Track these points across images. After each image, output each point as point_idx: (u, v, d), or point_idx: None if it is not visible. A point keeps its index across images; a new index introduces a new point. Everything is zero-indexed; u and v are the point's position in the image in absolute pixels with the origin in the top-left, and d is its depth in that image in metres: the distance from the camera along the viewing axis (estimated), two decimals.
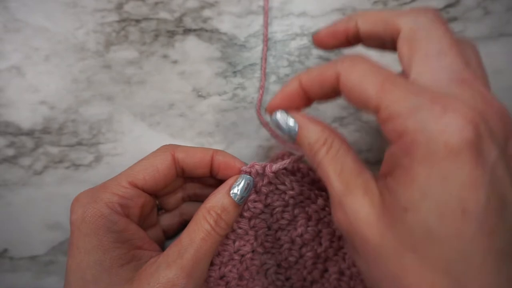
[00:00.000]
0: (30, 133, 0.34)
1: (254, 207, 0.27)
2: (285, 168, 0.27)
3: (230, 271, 0.28)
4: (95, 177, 0.33)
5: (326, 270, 0.30)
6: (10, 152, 0.33)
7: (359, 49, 0.26)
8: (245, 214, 0.27)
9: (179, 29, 0.35)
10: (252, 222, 0.28)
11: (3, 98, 0.34)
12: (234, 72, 0.34)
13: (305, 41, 0.35)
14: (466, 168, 0.17)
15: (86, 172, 0.33)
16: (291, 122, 0.24)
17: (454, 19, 0.35)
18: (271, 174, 0.26)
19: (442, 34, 0.21)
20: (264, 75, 0.34)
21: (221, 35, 0.35)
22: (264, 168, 0.27)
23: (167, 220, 0.30)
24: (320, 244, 0.29)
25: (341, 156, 0.22)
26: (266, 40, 0.34)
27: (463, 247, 0.18)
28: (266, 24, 0.34)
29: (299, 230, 0.29)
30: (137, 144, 0.34)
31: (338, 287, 0.30)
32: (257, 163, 0.27)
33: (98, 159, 0.34)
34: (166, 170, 0.26)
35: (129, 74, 0.34)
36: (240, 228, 0.27)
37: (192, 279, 0.23)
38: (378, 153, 0.34)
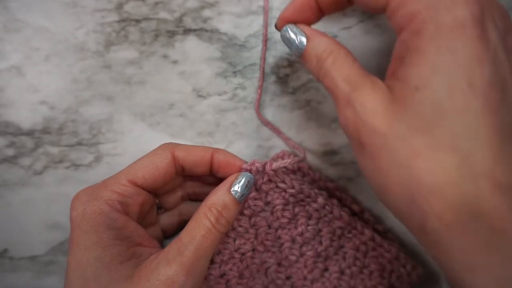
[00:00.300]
0: (30, 133, 0.34)
1: (255, 205, 0.27)
2: (285, 167, 0.27)
3: (231, 269, 0.28)
4: (95, 177, 0.33)
5: (326, 269, 0.30)
6: (10, 152, 0.33)
7: None
8: (246, 212, 0.27)
9: (179, 29, 0.35)
10: (253, 220, 0.28)
11: (3, 98, 0.34)
12: (234, 72, 0.34)
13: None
14: (473, 42, 0.18)
15: (86, 172, 0.33)
16: (300, 34, 0.24)
17: None
18: (271, 172, 0.27)
19: None
20: (263, 75, 0.34)
21: (221, 35, 0.35)
22: (264, 166, 0.27)
23: (166, 219, 0.30)
24: (321, 243, 0.29)
25: (347, 63, 0.22)
26: (266, 40, 0.34)
27: (471, 122, 0.18)
28: (266, 24, 0.34)
29: (300, 228, 0.29)
30: (137, 144, 0.34)
31: (338, 286, 0.30)
32: (257, 161, 0.27)
33: (98, 159, 0.34)
34: (166, 168, 0.26)
35: (129, 74, 0.34)
36: (240, 226, 0.28)
37: (191, 276, 0.23)
38: None
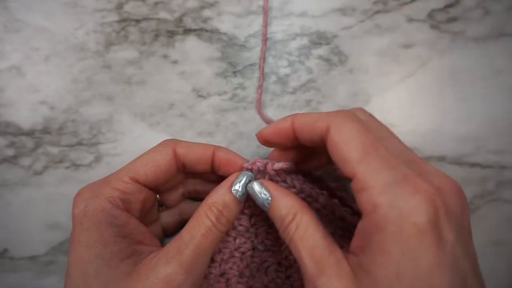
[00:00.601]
0: (30, 133, 0.34)
1: (255, 205, 0.27)
2: (286, 169, 0.27)
3: (231, 268, 0.28)
4: (95, 177, 0.33)
5: None
6: (10, 152, 0.33)
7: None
8: (246, 211, 0.27)
9: (179, 29, 0.35)
10: (253, 219, 0.28)
11: (3, 98, 0.34)
12: (234, 72, 0.34)
13: (305, 41, 0.35)
14: (432, 249, 0.19)
15: (86, 172, 0.33)
16: (265, 192, 0.25)
17: (454, 19, 0.35)
18: (272, 171, 0.27)
19: (367, 131, 0.22)
20: (263, 74, 0.34)
21: (221, 35, 0.35)
22: (265, 165, 0.27)
23: (167, 217, 0.30)
24: None
25: (311, 234, 0.23)
26: (265, 40, 0.34)
27: None
28: (265, 24, 0.34)
29: None
30: (137, 144, 0.34)
31: None
32: (258, 160, 0.27)
33: (98, 159, 0.34)
34: (167, 165, 0.26)
35: (129, 74, 0.34)
36: (241, 225, 0.28)
37: (190, 275, 0.23)
38: None
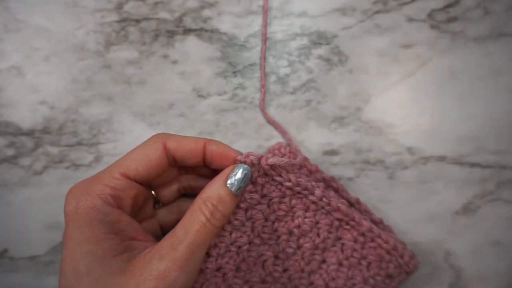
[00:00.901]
0: (30, 133, 0.34)
1: (251, 198, 0.27)
2: (281, 166, 0.27)
3: (227, 262, 0.28)
4: None
5: (324, 261, 0.30)
6: (10, 152, 0.33)
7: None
8: (242, 205, 0.27)
9: (179, 29, 0.35)
10: (249, 213, 0.28)
11: (3, 98, 0.34)
12: (234, 72, 0.34)
13: (305, 41, 0.35)
14: None
15: (86, 172, 0.33)
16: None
17: (454, 19, 0.35)
18: (266, 166, 0.26)
19: None
20: (264, 74, 0.34)
21: (221, 35, 0.35)
22: (259, 159, 0.26)
23: (165, 216, 0.30)
24: (318, 235, 0.29)
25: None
26: (265, 39, 0.34)
27: None
28: (265, 24, 0.34)
29: (297, 221, 0.29)
30: (137, 144, 0.34)
31: (336, 278, 0.30)
32: (252, 154, 0.26)
33: (98, 159, 0.34)
34: (158, 160, 0.26)
35: (129, 74, 0.34)
36: (236, 219, 0.27)
37: (184, 271, 0.23)
38: (378, 153, 0.34)
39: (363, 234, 0.30)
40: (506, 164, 0.33)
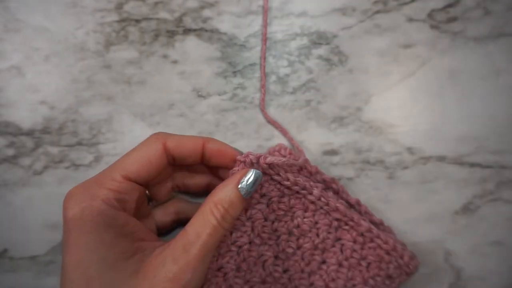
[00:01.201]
0: (30, 133, 0.34)
1: (250, 197, 0.27)
2: (279, 165, 0.27)
3: (228, 262, 0.28)
4: None
5: (324, 262, 0.30)
6: (10, 152, 0.33)
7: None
8: None
9: (179, 29, 0.35)
10: (249, 213, 0.28)
11: (3, 98, 0.34)
12: (234, 72, 0.34)
13: (305, 41, 0.35)
14: None
15: (86, 172, 0.33)
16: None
17: (454, 19, 0.35)
18: (265, 165, 0.27)
19: None
20: (264, 74, 0.34)
21: (221, 35, 0.35)
22: (258, 158, 0.27)
23: (161, 216, 0.30)
24: (318, 235, 0.29)
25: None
26: (265, 39, 0.34)
27: None
28: (265, 24, 0.34)
29: (296, 221, 0.29)
30: (137, 144, 0.34)
31: (336, 279, 0.30)
32: (252, 153, 0.27)
33: (98, 159, 0.34)
34: (158, 160, 0.26)
35: (129, 74, 0.34)
36: (237, 218, 0.28)
37: (197, 273, 0.24)
38: (378, 153, 0.34)
39: (362, 235, 0.30)
40: (506, 164, 0.33)
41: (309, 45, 0.35)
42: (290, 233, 0.29)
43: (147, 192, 0.29)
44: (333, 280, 0.30)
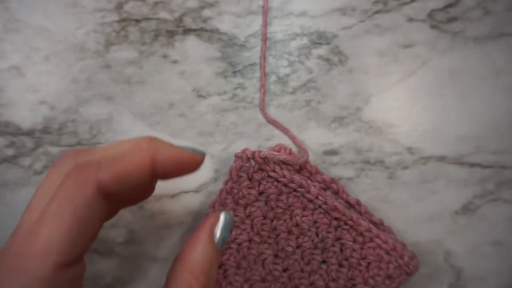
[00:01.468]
0: (30, 133, 0.34)
1: (249, 194, 0.28)
2: (274, 161, 0.28)
3: (228, 259, 0.28)
4: None
5: (324, 261, 0.30)
6: (10, 152, 0.33)
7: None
8: (241, 201, 0.28)
9: (179, 29, 0.35)
10: (248, 210, 0.28)
11: (3, 98, 0.34)
12: (234, 72, 0.34)
13: (305, 41, 0.35)
14: None
15: None
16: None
17: (454, 19, 0.35)
18: (260, 160, 0.27)
19: None
20: (264, 74, 0.34)
21: (221, 35, 0.35)
22: (253, 153, 0.27)
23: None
24: (317, 234, 0.30)
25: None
26: (265, 39, 0.34)
27: None
28: (265, 24, 0.34)
29: (295, 219, 0.29)
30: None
31: (336, 279, 0.30)
32: (248, 149, 0.27)
33: None
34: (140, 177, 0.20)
35: (129, 74, 0.34)
36: (236, 216, 0.28)
37: None
38: (378, 153, 0.34)
39: (361, 234, 0.30)
40: (506, 164, 0.33)
41: (309, 45, 0.35)
42: (289, 231, 0.29)
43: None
44: (333, 279, 0.30)
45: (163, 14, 0.35)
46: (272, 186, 0.28)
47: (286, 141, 0.34)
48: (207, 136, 0.34)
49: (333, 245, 0.30)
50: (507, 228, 0.33)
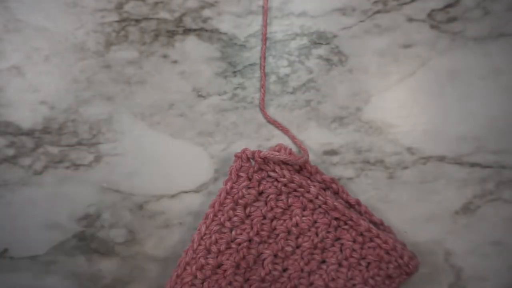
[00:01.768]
0: (30, 133, 0.34)
1: (248, 194, 0.28)
2: (274, 161, 0.28)
3: (227, 259, 0.28)
4: (95, 177, 0.33)
5: (323, 261, 0.30)
6: (10, 152, 0.33)
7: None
8: (240, 201, 0.28)
9: (179, 29, 0.35)
10: (248, 210, 0.28)
11: (3, 98, 0.34)
12: (234, 72, 0.34)
13: (305, 41, 0.35)
14: None
15: (86, 172, 0.33)
16: None
17: (454, 19, 0.35)
18: (260, 159, 0.27)
19: None
20: (264, 74, 0.34)
21: (221, 35, 0.35)
22: (253, 153, 0.27)
23: None
24: (317, 234, 0.30)
25: None
26: (265, 39, 0.34)
27: None
28: (265, 24, 0.34)
29: (294, 219, 0.29)
30: (137, 144, 0.34)
31: (336, 278, 0.30)
32: (248, 149, 0.28)
33: (98, 159, 0.34)
34: None
35: (129, 74, 0.34)
36: (236, 215, 0.28)
37: None
38: (378, 153, 0.34)
39: (361, 234, 0.30)
40: (506, 164, 0.33)
41: (309, 45, 0.35)
42: (289, 231, 0.29)
43: None
44: (333, 279, 0.30)
45: (163, 14, 0.35)
46: (272, 186, 0.28)
47: (286, 141, 0.34)
48: (207, 136, 0.34)
49: (333, 245, 0.30)
50: (507, 228, 0.33)
